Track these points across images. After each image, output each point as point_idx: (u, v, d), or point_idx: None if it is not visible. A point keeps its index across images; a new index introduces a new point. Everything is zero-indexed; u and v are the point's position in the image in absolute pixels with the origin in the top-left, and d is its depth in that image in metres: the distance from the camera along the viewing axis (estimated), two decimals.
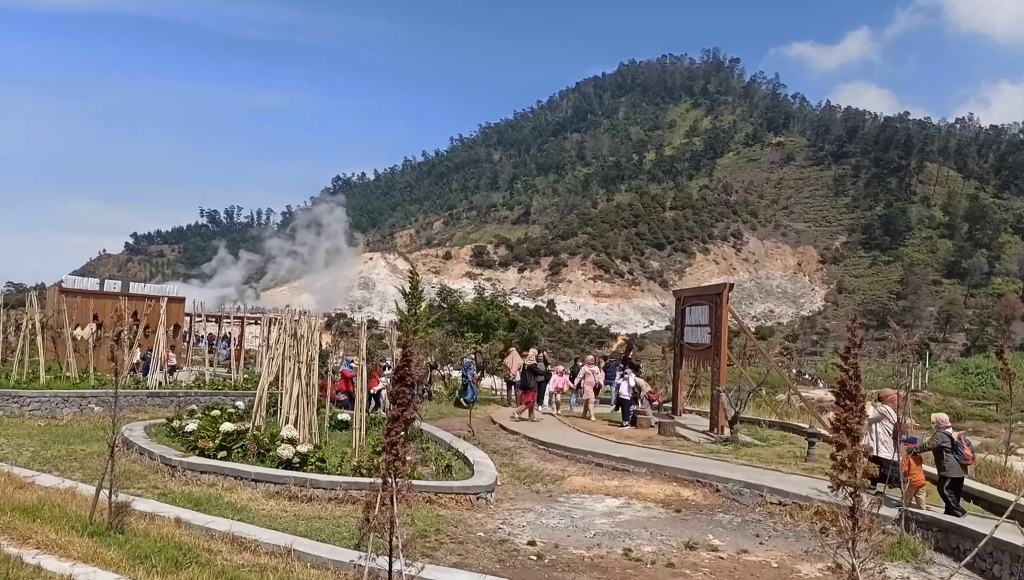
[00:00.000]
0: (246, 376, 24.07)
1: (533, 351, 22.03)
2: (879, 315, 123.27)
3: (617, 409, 20.40)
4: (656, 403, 20.84)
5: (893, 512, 10.46)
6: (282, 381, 13.91)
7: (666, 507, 11.91)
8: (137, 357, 23.75)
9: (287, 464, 11.84)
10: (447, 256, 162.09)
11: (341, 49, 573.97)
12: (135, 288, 29.35)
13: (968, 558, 8.36)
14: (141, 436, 14.26)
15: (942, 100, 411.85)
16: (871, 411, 12.19)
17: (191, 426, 13.96)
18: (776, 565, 9.31)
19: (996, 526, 8.12)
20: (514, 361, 22.97)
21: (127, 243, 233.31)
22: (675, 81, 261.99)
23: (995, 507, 11.21)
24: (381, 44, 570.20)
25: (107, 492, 7.95)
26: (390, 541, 5.67)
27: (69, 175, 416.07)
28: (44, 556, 6.88)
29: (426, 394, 23.73)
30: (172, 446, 13.40)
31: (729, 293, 18.53)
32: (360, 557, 5.89)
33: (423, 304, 29.15)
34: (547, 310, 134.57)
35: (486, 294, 39.44)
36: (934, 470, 11.02)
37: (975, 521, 10.14)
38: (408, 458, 5.93)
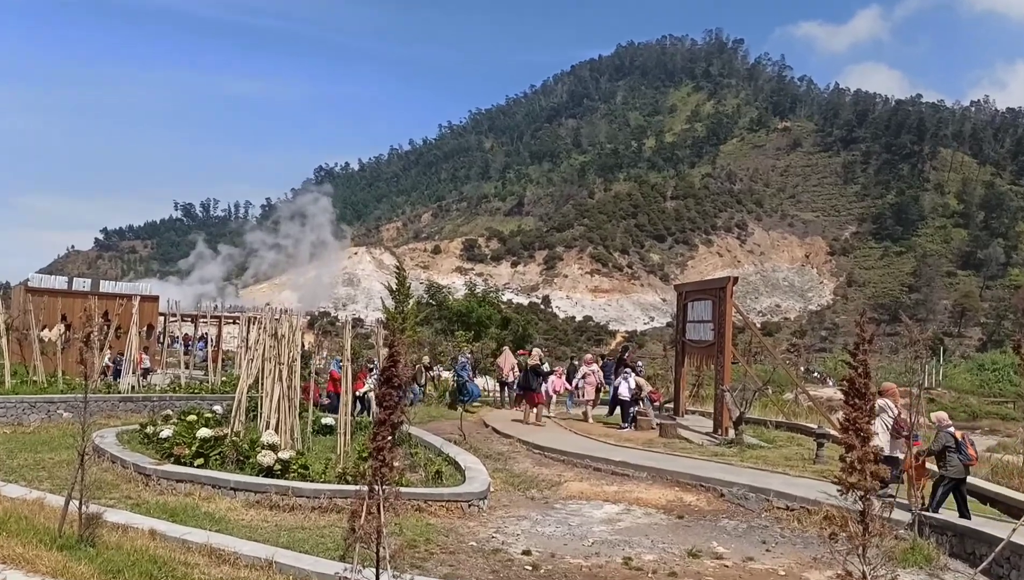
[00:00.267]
0: (224, 379, 24.01)
1: (537, 351, 22.07)
2: (891, 309, 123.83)
3: (612, 412, 20.38)
4: (657, 403, 20.90)
5: (906, 516, 10.51)
6: (262, 384, 13.89)
7: (668, 513, 11.95)
8: (107, 359, 23.66)
9: (268, 471, 11.83)
10: (436, 250, 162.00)
11: (323, 33, 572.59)
12: (106, 286, 29.24)
13: (984, 564, 8.41)
14: (113, 443, 14.22)
15: (956, 82, 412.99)
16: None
17: (166, 432, 13.92)
18: (783, 573, 9.35)
19: (1014, 530, 8.17)
20: (507, 361, 22.98)
21: (97, 239, 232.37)
22: (676, 64, 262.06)
23: (1013, 510, 11.29)
24: (365, 27, 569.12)
25: (77, 503, 7.93)
26: (377, 552, 5.68)
27: (34, 167, 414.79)
28: (10, 571, 6.85)
29: (418, 397, 23.75)
30: (146, 454, 13.36)
31: (733, 287, 18.60)
32: (345, 569, 5.89)
33: (411, 301, 29.12)
34: (542, 307, 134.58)
35: (477, 290, 39.57)
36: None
37: (992, 524, 10.20)
38: (396, 464, 5.94)
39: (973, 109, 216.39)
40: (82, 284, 28.53)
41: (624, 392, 19.51)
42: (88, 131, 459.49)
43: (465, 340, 25.09)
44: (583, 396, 21.32)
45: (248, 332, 18.08)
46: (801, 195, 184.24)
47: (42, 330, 23.82)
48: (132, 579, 6.94)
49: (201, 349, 31.52)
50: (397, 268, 30.56)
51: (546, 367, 21.74)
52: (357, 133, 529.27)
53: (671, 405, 22.23)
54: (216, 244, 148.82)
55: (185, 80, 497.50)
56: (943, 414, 11.12)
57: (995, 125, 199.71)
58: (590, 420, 20.53)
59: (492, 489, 12.51)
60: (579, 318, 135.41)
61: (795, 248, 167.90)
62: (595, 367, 21.49)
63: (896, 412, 11.96)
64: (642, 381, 20.38)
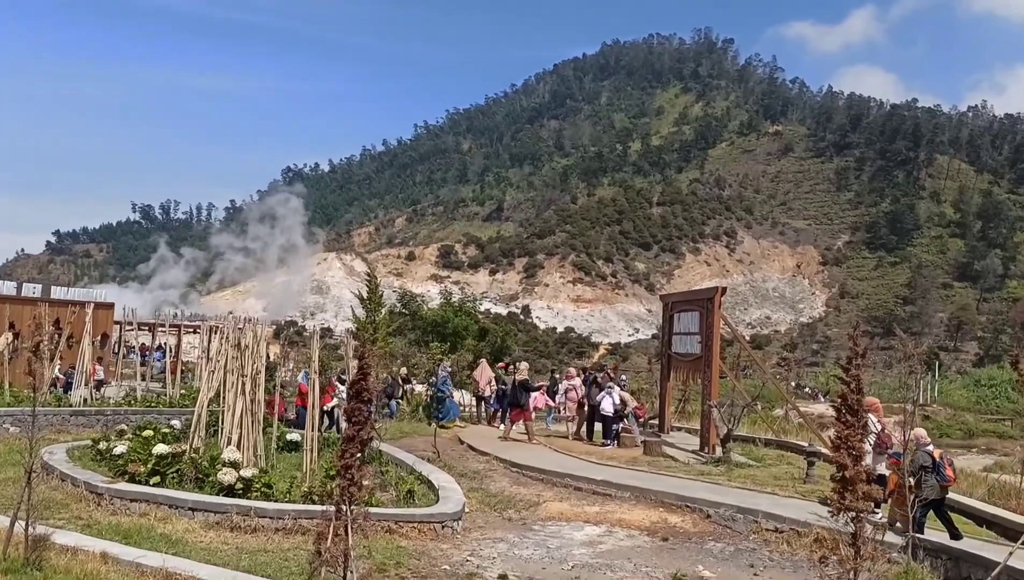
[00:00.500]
0: (183, 392, 23.81)
1: (524, 365, 22.08)
2: (885, 322, 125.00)
3: (591, 433, 20.31)
4: (642, 420, 20.93)
5: (899, 539, 10.59)
6: (224, 397, 13.78)
7: (652, 535, 11.97)
8: (57, 371, 23.39)
9: (229, 490, 11.72)
10: (410, 257, 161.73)
11: (291, 25, 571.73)
12: (57, 292, 28.96)
13: None
14: (63, 460, 14.04)
15: (953, 86, 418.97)
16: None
17: (120, 448, 13.76)
18: None
19: (1010, 553, 8.25)
20: (483, 374, 22.96)
21: (48, 242, 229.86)
22: (663, 64, 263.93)
23: (1010, 532, 11.40)
24: (336, 20, 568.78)
25: (23, 523, 7.82)
26: (344, 576, 5.64)
27: None
28: None
29: (394, 412, 23.69)
30: (98, 471, 13.21)
31: (722, 298, 18.67)
32: None
33: (383, 310, 29.02)
34: (521, 317, 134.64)
35: (453, 299, 39.50)
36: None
37: (988, 548, 10.30)
38: (365, 483, 5.91)
39: (970, 114, 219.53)
40: (32, 290, 28.23)
41: (607, 407, 19.52)
42: (38, 127, 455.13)
43: (440, 352, 25.03)
44: (565, 412, 21.31)
45: (209, 342, 17.93)
46: (792, 202, 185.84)
47: None
48: None
49: (159, 360, 31.26)
50: (369, 275, 30.45)
51: (546, 382, 21.74)
52: (327, 132, 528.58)
53: (656, 421, 22.27)
54: (179, 248, 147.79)
55: (142, 73, 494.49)
56: (921, 431, 11.19)
57: (993, 131, 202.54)
58: (571, 436, 20.52)
59: (467, 509, 12.47)
60: (560, 329, 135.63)
61: (786, 257, 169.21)
62: (577, 382, 21.51)
63: (879, 428, 12.09)
64: (627, 396, 20.40)
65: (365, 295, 28.67)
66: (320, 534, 5.66)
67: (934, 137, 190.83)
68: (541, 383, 23.90)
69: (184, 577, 8.01)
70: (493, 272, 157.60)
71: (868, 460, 11.46)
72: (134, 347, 33.85)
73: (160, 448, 12.97)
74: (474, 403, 24.48)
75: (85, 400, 21.75)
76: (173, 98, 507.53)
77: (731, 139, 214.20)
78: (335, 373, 21.53)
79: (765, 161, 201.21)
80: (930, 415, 45.82)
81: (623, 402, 19.74)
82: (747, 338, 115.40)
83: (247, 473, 12.05)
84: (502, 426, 22.29)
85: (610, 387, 20.09)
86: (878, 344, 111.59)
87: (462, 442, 19.42)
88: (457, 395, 28.67)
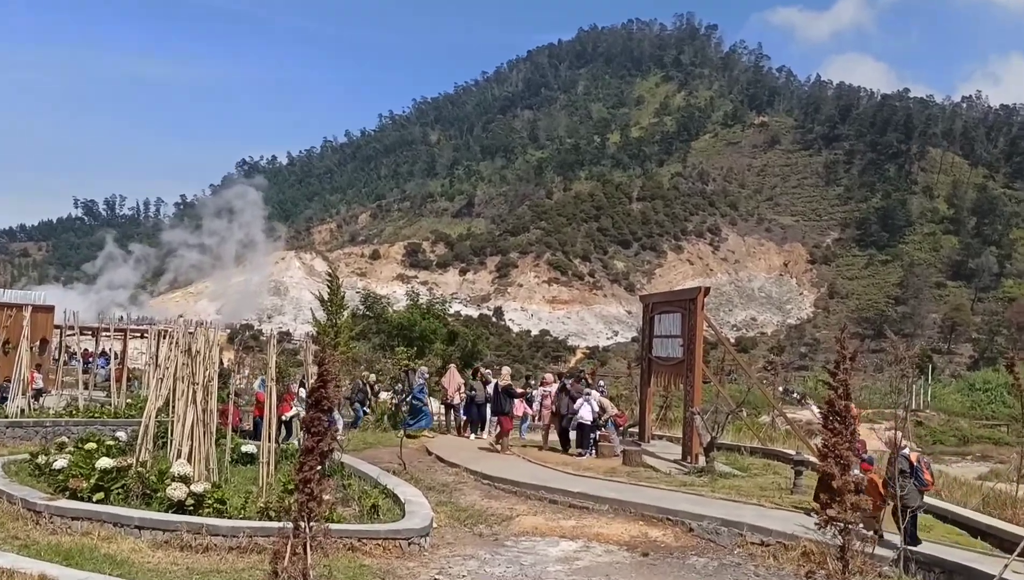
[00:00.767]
0: (129, 401, 23.60)
1: (507, 370, 22.08)
2: (875, 323, 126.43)
3: (565, 443, 20.30)
4: (621, 428, 21.00)
5: (890, 552, 10.69)
6: (173, 407, 13.66)
7: (631, 550, 12.01)
8: None
9: (179, 507, 11.62)
10: (374, 256, 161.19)
11: (247, 10, 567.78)
12: None
13: None
14: None
15: (946, 76, 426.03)
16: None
17: (60, 462, 13.61)
18: None
19: (1005, 566, 8.36)
20: (452, 380, 22.94)
21: None
22: (643, 51, 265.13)
23: (1006, 544, 11.55)
24: (295, 4, 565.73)
25: None
26: None
27: None
28: None
29: (354, 421, 23.58)
30: (37, 487, 13.06)
31: (705, 298, 18.78)
32: None
33: (345, 313, 28.93)
34: (494, 319, 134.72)
35: (421, 301, 39.43)
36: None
37: (983, 560, 10.43)
38: (325, 497, 5.88)
39: (964, 105, 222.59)
40: None
41: (586, 415, 19.53)
42: None
43: (407, 357, 24.98)
44: (541, 419, 21.30)
45: (158, 347, 17.78)
46: (779, 197, 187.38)
47: None
48: None
49: (103, 367, 30.90)
50: (330, 275, 30.36)
51: (529, 389, 21.69)
52: (286, 123, 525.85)
53: (636, 429, 22.36)
54: (127, 245, 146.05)
55: (83, 59, 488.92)
56: (899, 435, 11.30)
57: (988, 123, 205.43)
58: (554, 448, 20.48)
59: (435, 525, 12.45)
60: (535, 332, 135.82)
61: (773, 256, 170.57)
62: (554, 388, 21.53)
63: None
64: (606, 402, 20.42)
65: (326, 297, 28.58)
66: (277, 553, 5.62)
67: (927, 129, 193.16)
68: (522, 390, 23.92)
69: None
70: (463, 272, 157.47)
71: None
72: (76, 353, 33.46)
73: (104, 462, 12.83)
74: (442, 411, 24.46)
75: (22, 411, 21.48)
76: (117, 85, 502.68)
77: (715, 131, 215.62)
78: (294, 380, 21.42)
79: (750, 154, 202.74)
80: (923, 421, 46.36)
81: (602, 409, 19.77)
82: (732, 341, 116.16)
83: (198, 488, 11.94)
84: (472, 436, 22.29)
85: (588, 394, 20.12)
86: (868, 346, 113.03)
87: (430, 453, 19.38)
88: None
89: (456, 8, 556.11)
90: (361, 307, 39.50)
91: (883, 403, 46.13)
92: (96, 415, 22.12)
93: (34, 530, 11.25)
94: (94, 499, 12.09)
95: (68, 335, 30.13)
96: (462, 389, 23.06)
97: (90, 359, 31.63)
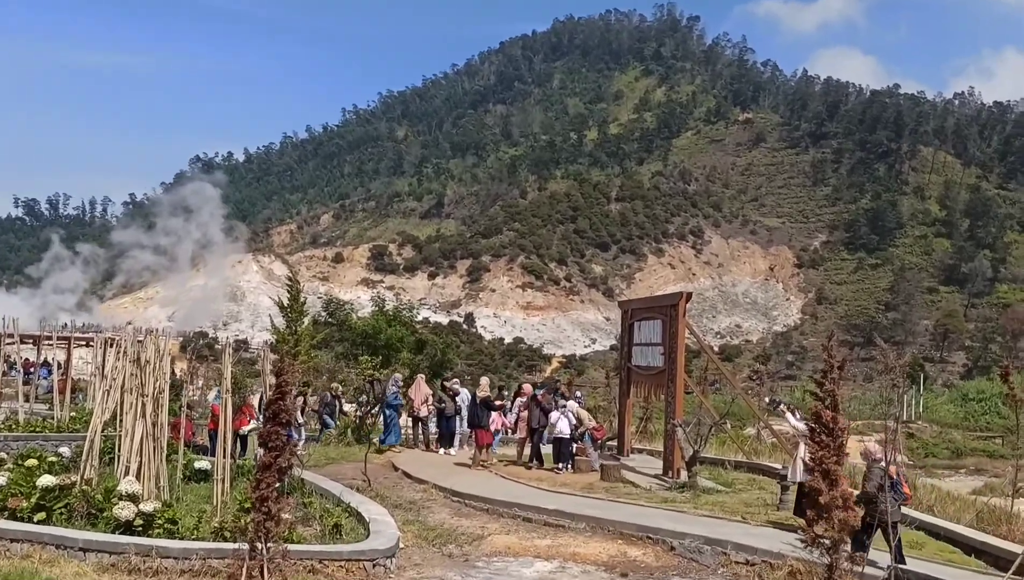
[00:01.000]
0: (74, 415, 23.32)
1: (485, 380, 22.03)
2: (865, 330, 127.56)
3: (534, 458, 20.28)
4: (599, 441, 21.03)
5: (879, 572, 10.76)
6: (121, 420, 13.52)
7: (610, 570, 12.02)
8: None
9: (127, 527, 11.49)
10: (337, 259, 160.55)
11: None
12: None
13: None
14: None
15: (938, 71, 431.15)
16: (800, 423, 12.71)
17: None
18: None
19: None
20: (419, 391, 22.90)
21: None
22: (622, 43, 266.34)
23: (1001, 562, 11.67)
24: None
25: None
26: None
27: None
28: None
29: (317, 433, 23.49)
30: None
31: (687, 304, 18.86)
32: None
33: (306, 320, 28.78)
34: (464, 326, 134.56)
35: (387, 307, 39.27)
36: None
37: (976, 579, 10.52)
38: (284, 516, 5.85)
39: (957, 102, 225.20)
40: None
41: (564, 428, 19.53)
42: None
43: (372, 366, 24.88)
44: (518, 433, 21.24)
45: (104, 357, 17.60)
46: (765, 198, 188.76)
47: None
48: None
49: (45, 377, 30.55)
50: (290, 280, 30.19)
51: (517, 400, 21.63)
52: (243, 117, 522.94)
53: (614, 443, 22.41)
54: (74, 245, 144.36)
55: (23, 48, 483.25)
56: (874, 446, 11.38)
57: (981, 121, 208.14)
58: (527, 465, 20.48)
59: (402, 545, 12.40)
60: (508, 340, 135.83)
61: (758, 259, 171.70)
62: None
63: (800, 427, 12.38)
64: (583, 413, 20.46)
65: (285, 302, 28.39)
66: (232, 576, 5.58)
67: (917, 127, 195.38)
68: (501, 402, 23.89)
69: None
70: (432, 276, 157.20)
71: (802, 475, 11.71)
72: (16, 363, 33.00)
73: (46, 479, 12.67)
74: (409, 425, 24.40)
75: None
76: (60, 77, 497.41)
77: (697, 127, 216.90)
78: (253, 392, 21.28)
79: (735, 152, 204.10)
80: (915, 433, 46.81)
81: (579, 420, 19.79)
82: (715, 349, 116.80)
83: (148, 507, 11.82)
84: (442, 451, 22.25)
85: (564, 405, 20.13)
86: (858, 355, 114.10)
87: (396, 468, 19.33)
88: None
89: None
90: (323, 314, 39.36)
91: (873, 414, 46.52)
92: (37, 429, 21.84)
93: None
94: (35, 519, 11.93)
95: (7, 344, 29.76)
96: (430, 401, 23.03)
97: (31, 369, 31.24)
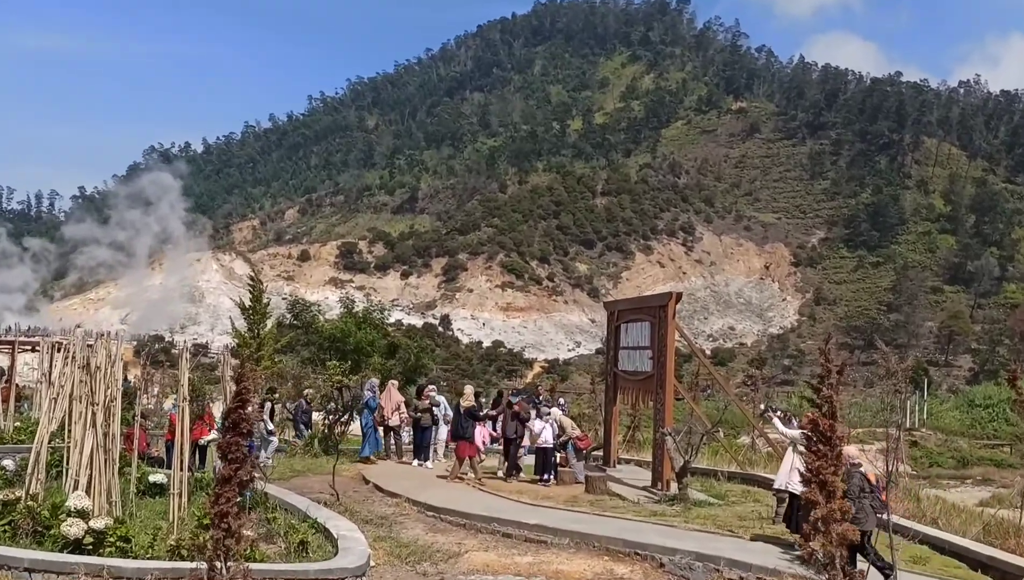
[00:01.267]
0: (18, 425, 23.14)
1: (470, 389, 21.98)
2: (866, 332, 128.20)
3: (511, 469, 20.28)
4: (584, 451, 21.06)
5: None
6: (70, 431, 13.43)
7: None
8: None
9: (76, 546, 11.41)
10: (303, 257, 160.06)
11: None
12: None
13: None
14: None
15: (941, 58, 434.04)
16: (788, 429, 12.79)
17: None
18: None
19: None
20: (390, 399, 22.87)
21: None
22: (607, 27, 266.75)
23: (1009, 577, 11.77)
24: None
25: None
26: None
27: None
28: None
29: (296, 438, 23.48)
30: None
31: (677, 305, 18.90)
32: None
33: (269, 322, 28.69)
34: (440, 329, 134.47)
35: (356, 308, 39.19)
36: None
37: None
38: (246, 533, 5.81)
39: (962, 91, 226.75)
40: None
41: (548, 438, 19.56)
42: None
43: (340, 372, 24.81)
44: (499, 443, 21.25)
45: (51, 363, 17.45)
46: (759, 192, 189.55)
47: None
48: None
49: None
50: (252, 279, 30.10)
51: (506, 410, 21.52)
52: (202, 105, 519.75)
53: (600, 453, 22.44)
54: (21, 241, 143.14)
55: None
56: (853, 450, 11.46)
57: (987, 110, 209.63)
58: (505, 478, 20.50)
59: (373, 563, 12.37)
60: (487, 343, 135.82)
61: (752, 257, 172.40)
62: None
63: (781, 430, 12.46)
64: (566, 421, 20.46)
65: (247, 304, 28.30)
66: None
67: (920, 117, 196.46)
68: (495, 412, 23.82)
69: None
70: (405, 275, 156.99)
71: (796, 483, 11.76)
72: None
73: None
74: (382, 434, 24.36)
75: None
76: (4, 61, 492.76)
77: (688, 117, 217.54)
78: (213, 399, 21.20)
79: (727, 144, 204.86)
80: (918, 441, 47.17)
81: (560, 428, 19.80)
82: (707, 353, 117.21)
83: (99, 524, 11.75)
84: (416, 463, 22.22)
85: (547, 412, 20.15)
86: (858, 359, 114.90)
87: (367, 481, 19.27)
88: (358, 424, 28.47)
89: None
90: (288, 316, 39.28)
91: (874, 422, 46.76)
92: None
93: None
94: None
95: None
96: (402, 408, 23.00)
97: None
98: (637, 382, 20.10)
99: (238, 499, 5.68)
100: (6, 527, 12.13)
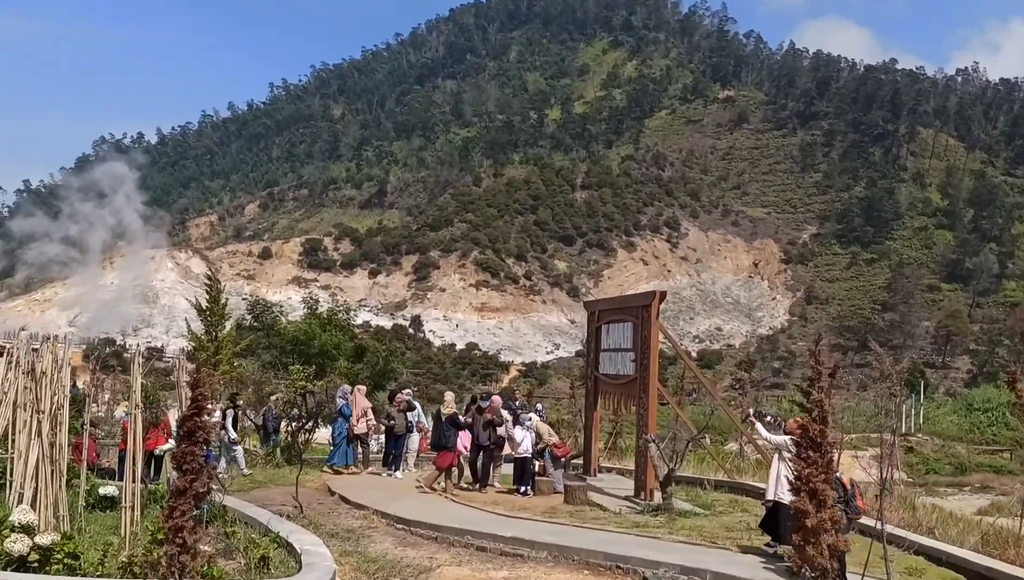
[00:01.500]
0: None
1: (450, 395, 21.86)
2: (859, 333, 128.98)
3: (482, 480, 20.24)
4: (563, 459, 21.07)
5: None
6: (13, 441, 13.32)
7: None
8: None
9: (20, 564, 11.32)
10: (265, 254, 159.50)
11: None
12: None
13: None
14: None
15: (938, 44, 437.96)
16: (772, 435, 12.90)
17: None
18: None
19: None
20: (357, 405, 22.82)
21: None
22: (587, 11, 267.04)
23: None
24: None
25: None
26: None
27: None
28: None
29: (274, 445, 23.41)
30: None
31: (661, 304, 18.93)
32: None
33: (228, 324, 28.55)
34: (410, 331, 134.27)
35: (321, 309, 39.05)
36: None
37: None
38: (202, 548, 5.79)
39: (959, 79, 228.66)
40: None
41: (527, 446, 19.54)
42: None
43: (304, 377, 24.74)
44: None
45: None
46: (748, 185, 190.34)
47: None
48: None
49: None
50: (209, 278, 29.93)
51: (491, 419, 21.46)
52: (156, 93, 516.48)
53: (580, 461, 22.46)
54: None
55: None
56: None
57: (986, 100, 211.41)
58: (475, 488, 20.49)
59: (338, 579, 12.34)
60: (460, 346, 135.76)
61: (740, 254, 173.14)
62: (504, 414, 21.47)
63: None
64: (543, 427, 20.46)
65: (204, 304, 28.14)
66: None
67: (916, 106, 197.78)
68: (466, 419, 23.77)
69: None
70: (373, 274, 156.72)
71: (784, 492, 11.88)
72: None
73: None
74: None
75: None
76: None
77: (672, 106, 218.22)
78: (169, 407, 21.06)
79: (714, 134, 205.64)
80: (914, 446, 47.40)
81: (537, 435, 19.80)
82: (693, 355, 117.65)
83: (45, 540, 11.66)
84: (386, 472, 22.15)
85: (528, 419, 20.14)
86: (851, 360, 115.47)
87: (333, 492, 19.22)
88: (324, 432, 28.40)
89: None
90: (248, 317, 39.04)
91: (868, 427, 47.00)
92: None
93: None
94: None
95: None
96: (369, 415, 22.94)
97: None
98: (619, 386, 20.13)
99: (194, 512, 5.66)
100: None
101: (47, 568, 11.33)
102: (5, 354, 14.32)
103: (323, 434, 28.90)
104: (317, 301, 44.59)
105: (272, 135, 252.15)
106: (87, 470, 15.62)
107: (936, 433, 52.37)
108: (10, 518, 12.21)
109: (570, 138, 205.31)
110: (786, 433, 12.98)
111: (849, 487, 11.11)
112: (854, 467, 14.34)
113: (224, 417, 21.66)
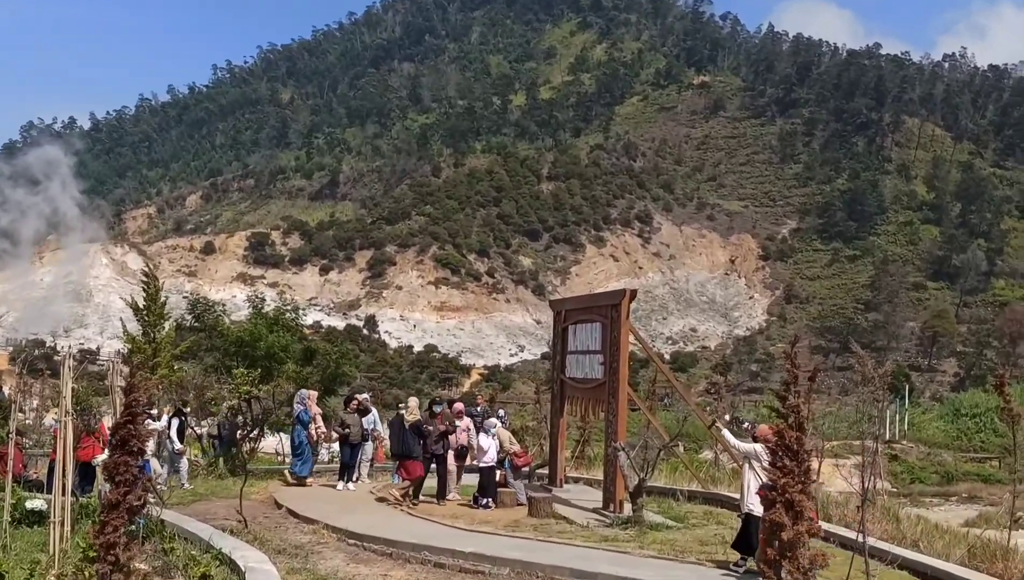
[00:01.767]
0: None
1: (414, 402, 21.73)
2: (841, 334, 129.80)
3: (442, 493, 20.20)
4: (525, 469, 21.08)
5: None
6: None
7: None
8: None
9: None
10: (207, 249, 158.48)
11: None
12: None
13: None
14: None
15: (924, 29, 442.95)
16: (742, 443, 13.04)
17: None
18: None
19: None
20: (310, 411, 22.74)
21: None
22: None
23: None
24: None
25: None
26: None
27: None
28: None
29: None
30: None
31: (632, 303, 18.98)
32: None
33: (167, 325, 28.33)
34: (365, 331, 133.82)
35: (268, 308, 38.81)
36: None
37: None
38: (138, 566, 5.74)
39: (946, 65, 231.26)
40: None
41: (492, 455, 19.52)
42: None
43: (248, 381, 24.57)
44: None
45: None
46: (724, 177, 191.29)
47: None
48: None
49: None
50: (147, 275, 29.69)
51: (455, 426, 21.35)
52: (90, 75, 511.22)
53: (545, 471, 22.48)
54: None
55: None
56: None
57: (974, 87, 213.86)
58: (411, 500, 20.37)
59: None
60: (418, 348, 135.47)
61: (716, 250, 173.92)
62: (467, 422, 21.43)
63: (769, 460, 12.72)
64: (504, 434, 20.45)
65: (141, 303, 27.90)
66: None
67: (901, 94, 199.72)
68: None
69: None
70: (325, 270, 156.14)
71: (755, 502, 12.03)
72: None
73: None
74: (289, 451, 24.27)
75: None
76: None
77: (644, 92, 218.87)
78: (104, 413, 20.88)
79: (688, 122, 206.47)
80: (899, 454, 47.80)
81: (499, 443, 19.80)
82: (666, 357, 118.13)
83: None
84: (340, 485, 22.03)
85: (490, 423, 20.14)
86: (833, 363, 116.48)
87: (280, 505, 19.14)
88: (272, 440, 28.29)
89: None
90: (188, 317, 38.71)
91: (850, 433, 47.37)
92: None
93: None
94: None
95: None
96: (319, 422, 22.85)
97: None
98: (587, 391, 20.16)
99: (129, 527, 5.61)
100: None
101: None
102: None
103: (269, 443, 28.78)
104: (264, 300, 44.22)
105: (215, 121, 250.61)
106: (12, 482, 15.48)
107: (921, 440, 52.79)
108: None
109: (535, 126, 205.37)
110: (755, 439, 13.09)
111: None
112: (835, 476, 14.46)
113: (170, 425, 21.53)
